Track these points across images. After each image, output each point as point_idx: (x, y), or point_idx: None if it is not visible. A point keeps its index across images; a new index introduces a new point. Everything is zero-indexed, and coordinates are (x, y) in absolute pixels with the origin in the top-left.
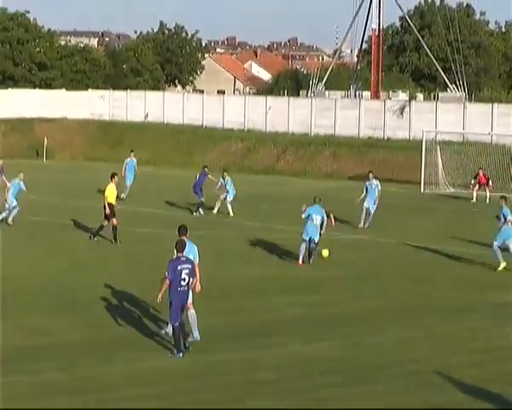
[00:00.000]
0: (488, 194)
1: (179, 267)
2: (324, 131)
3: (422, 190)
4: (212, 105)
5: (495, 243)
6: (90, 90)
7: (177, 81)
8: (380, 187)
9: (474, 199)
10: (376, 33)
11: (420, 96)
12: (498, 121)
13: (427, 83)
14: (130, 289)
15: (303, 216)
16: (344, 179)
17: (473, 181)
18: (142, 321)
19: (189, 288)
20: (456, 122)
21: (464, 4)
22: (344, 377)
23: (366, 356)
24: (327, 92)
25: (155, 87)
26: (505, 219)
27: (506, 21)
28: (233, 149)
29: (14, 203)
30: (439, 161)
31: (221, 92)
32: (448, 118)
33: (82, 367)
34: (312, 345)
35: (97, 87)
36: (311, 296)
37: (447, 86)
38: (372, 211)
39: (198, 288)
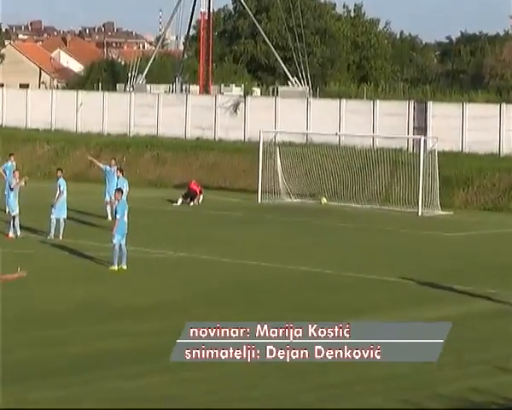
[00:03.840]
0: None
1: None
2: (146, 132)
3: (260, 200)
4: (13, 101)
5: None
6: None
7: None
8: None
9: (178, 202)
10: (205, 17)
11: (257, 90)
12: (347, 119)
13: (264, 75)
14: None
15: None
16: (169, 187)
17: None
18: None
19: None
20: (298, 121)
21: None
22: None
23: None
24: (148, 86)
25: None
26: None
27: (355, 4)
28: (38, 153)
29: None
30: (279, 165)
31: (24, 86)
32: (289, 116)
33: None
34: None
35: None
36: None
37: (288, 79)
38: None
39: None
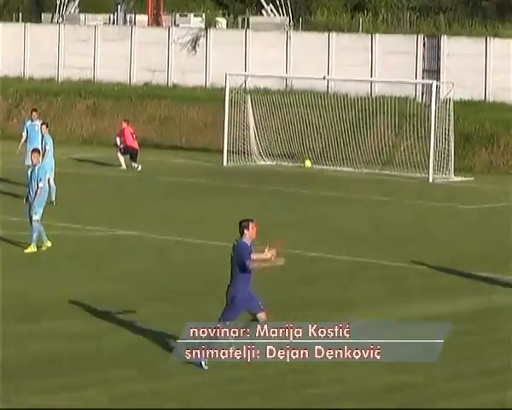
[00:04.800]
0: (136, 165)
1: None
2: (79, 76)
3: (225, 163)
4: None
5: None
6: None
7: None
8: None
9: (123, 165)
10: None
11: (222, 21)
12: (338, 59)
13: (232, 2)
14: None
15: None
16: (108, 147)
17: (118, 139)
18: None
19: None
20: (275, 61)
21: None
22: None
23: None
24: (82, 16)
25: None
26: None
27: None
28: None
29: None
30: (251, 118)
31: None
32: (263, 55)
33: None
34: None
35: None
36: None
37: (262, 7)
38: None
39: None
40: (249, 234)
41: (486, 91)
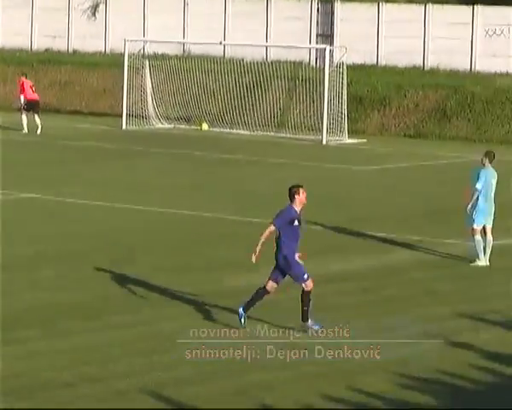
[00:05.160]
0: (38, 120)
1: None
2: None
3: (124, 126)
4: None
5: None
6: None
7: None
8: None
9: (25, 129)
10: None
11: None
12: (234, 25)
13: None
14: None
15: None
16: (10, 111)
17: (22, 98)
18: None
19: None
20: (173, 27)
21: None
22: None
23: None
24: None
25: None
26: None
27: None
28: None
29: None
30: (149, 83)
31: None
32: (161, 21)
33: None
34: None
35: None
36: None
37: None
38: None
39: None
40: (299, 199)
41: (378, 55)
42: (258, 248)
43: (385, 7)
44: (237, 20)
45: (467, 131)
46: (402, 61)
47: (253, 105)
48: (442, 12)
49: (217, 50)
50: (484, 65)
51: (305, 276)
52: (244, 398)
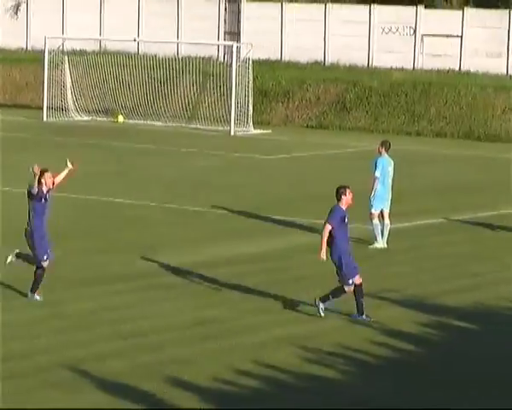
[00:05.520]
0: None
1: None
2: None
3: (45, 118)
4: None
5: None
6: None
7: None
8: None
9: None
10: None
11: None
12: (147, 23)
13: None
14: None
15: None
16: None
17: None
18: None
19: None
20: (90, 25)
21: None
22: None
23: None
24: None
25: None
26: None
27: None
28: None
29: None
30: (68, 78)
31: None
32: (79, 19)
33: None
34: None
35: None
36: None
37: None
38: None
39: None
40: (346, 200)
41: (282, 52)
42: (323, 247)
43: (288, 6)
44: (151, 18)
45: (365, 123)
46: (304, 56)
47: (165, 98)
48: (341, 11)
49: (131, 47)
50: (380, 60)
51: (350, 281)
52: (161, 371)
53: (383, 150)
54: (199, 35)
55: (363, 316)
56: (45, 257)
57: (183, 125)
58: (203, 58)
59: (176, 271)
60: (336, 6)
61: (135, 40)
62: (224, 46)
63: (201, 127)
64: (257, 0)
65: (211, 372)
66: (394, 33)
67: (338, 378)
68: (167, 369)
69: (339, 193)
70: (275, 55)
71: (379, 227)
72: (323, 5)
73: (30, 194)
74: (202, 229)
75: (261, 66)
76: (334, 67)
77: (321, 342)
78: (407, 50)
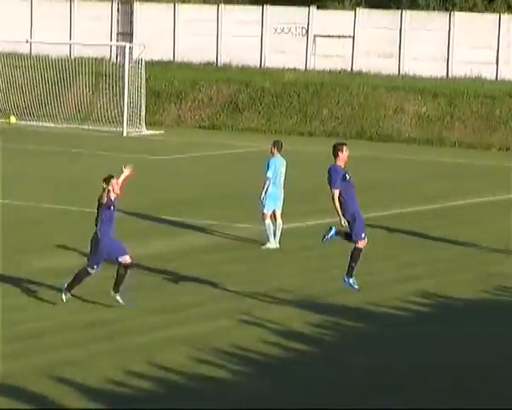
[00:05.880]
0: None
1: None
2: None
3: None
4: None
5: None
6: None
7: None
8: None
9: None
10: None
11: None
12: (39, 24)
13: None
14: None
15: None
16: None
17: None
18: None
19: None
20: None
21: None
22: None
23: None
24: None
25: None
26: None
27: None
28: None
29: None
30: None
31: None
32: None
33: None
34: None
35: None
36: None
37: None
38: None
39: None
40: (342, 157)
41: (175, 53)
42: (340, 214)
43: (180, 7)
44: (43, 19)
45: (257, 123)
46: (197, 57)
47: (58, 99)
48: (234, 11)
49: (24, 48)
50: (273, 61)
51: (363, 235)
52: (53, 373)
53: (275, 150)
54: (92, 36)
55: (351, 280)
56: (95, 267)
57: (76, 126)
58: (96, 59)
59: (68, 273)
60: (229, 7)
61: (27, 42)
62: (117, 47)
63: (94, 128)
64: (149, 1)
65: (103, 374)
66: (287, 34)
67: (229, 378)
68: (59, 370)
69: (336, 150)
70: (167, 56)
71: (271, 227)
72: (216, 6)
73: (99, 202)
74: (87, 230)
75: (154, 67)
76: (227, 67)
77: (213, 343)
78: (299, 51)
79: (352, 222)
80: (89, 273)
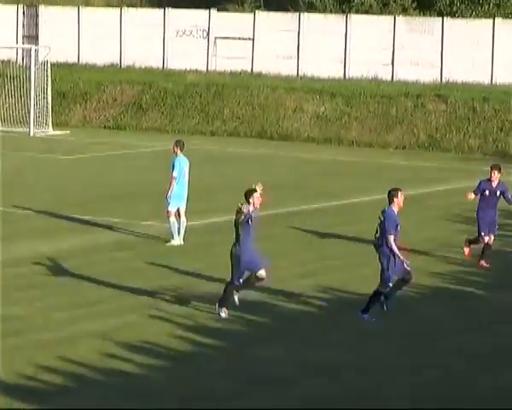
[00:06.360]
0: None
1: None
2: None
3: None
4: None
5: None
6: None
7: None
8: None
9: None
10: None
11: None
12: None
13: None
14: None
15: None
16: None
17: None
18: None
19: None
20: None
21: None
22: None
23: None
24: None
25: None
26: None
27: None
28: None
29: None
30: None
31: None
32: None
33: None
34: None
35: None
36: None
37: None
38: None
39: None
40: (397, 202)
41: (80, 55)
42: (401, 257)
43: (85, 10)
44: None
45: (160, 123)
46: (101, 59)
47: None
48: (136, 14)
49: None
50: (175, 63)
51: (390, 285)
52: None
53: (178, 150)
54: None
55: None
56: (237, 283)
57: None
58: (2, 61)
59: None
60: (132, 10)
61: None
62: (23, 49)
63: (1, 129)
64: (54, 4)
65: (15, 369)
66: (188, 36)
67: (136, 372)
68: None
69: (391, 196)
70: (72, 58)
71: (176, 225)
72: (119, 9)
73: (238, 215)
74: (4, 229)
75: (59, 68)
76: (131, 69)
77: (122, 337)
78: (201, 53)
79: (385, 268)
80: (235, 286)
